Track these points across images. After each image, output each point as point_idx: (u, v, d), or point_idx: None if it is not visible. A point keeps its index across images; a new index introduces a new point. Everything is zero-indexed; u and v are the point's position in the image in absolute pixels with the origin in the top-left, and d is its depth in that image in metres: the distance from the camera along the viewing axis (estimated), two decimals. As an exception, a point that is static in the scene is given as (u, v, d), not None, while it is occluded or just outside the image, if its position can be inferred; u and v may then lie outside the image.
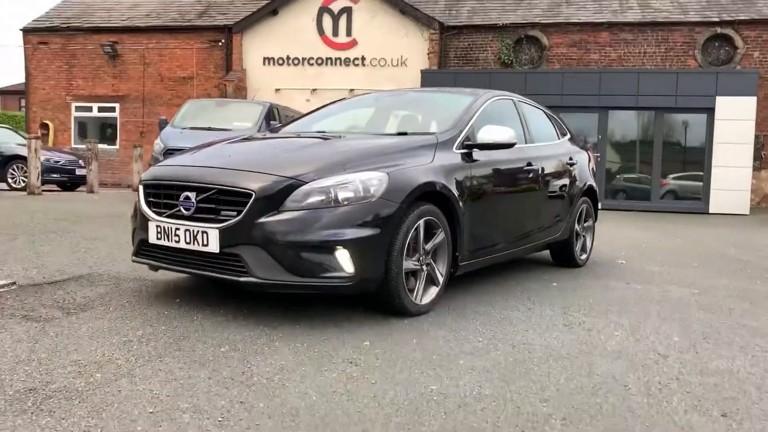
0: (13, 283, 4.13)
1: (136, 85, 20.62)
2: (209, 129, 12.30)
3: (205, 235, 3.46)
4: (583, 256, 6.12)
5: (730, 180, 14.83)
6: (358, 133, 4.41)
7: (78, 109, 21.09)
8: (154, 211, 3.73)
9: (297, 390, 2.59)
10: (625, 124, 16.06)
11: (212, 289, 4.20)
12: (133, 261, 3.94)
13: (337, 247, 3.38)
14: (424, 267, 3.84)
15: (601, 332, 3.68)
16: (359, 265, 3.42)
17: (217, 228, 3.43)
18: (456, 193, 3.99)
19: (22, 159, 13.56)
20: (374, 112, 5.15)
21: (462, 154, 4.25)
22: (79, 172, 14.52)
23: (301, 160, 3.71)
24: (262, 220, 3.36)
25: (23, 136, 14.72)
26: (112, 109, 20.84)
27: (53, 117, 21.21)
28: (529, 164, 4.99)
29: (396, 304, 3.63)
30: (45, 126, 21.05)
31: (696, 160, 15.55)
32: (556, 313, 4.10)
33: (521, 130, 5.19)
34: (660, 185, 15.57)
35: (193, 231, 3.49)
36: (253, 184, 3.43)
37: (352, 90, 19.11)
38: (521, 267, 5.81)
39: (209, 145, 4.29)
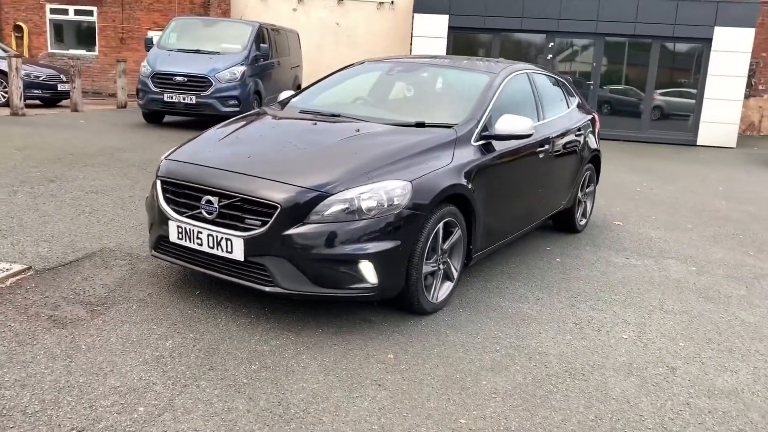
0: (29, 268, 4.13)
1: (115, -13, 19.62)
2: (197, 52, 11.94)
3: (229, 242, 3.47)
4: (583, 222, 6.22)
5: (720, 113, 14.84)
6: (375, 121, 4.33)
7: (53, 11, 20.10)
8: (173, 209, 3.71)
9: (333, 426, 2.70)
10: (621, 53, 15.78)
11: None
12: (153, 256, 3.94)
13: (362, 260, 3.42)
14: (441, 266, 3.91)
15: (609, 333, 3.83)
16: (382, 276, 3.48)
17: (241, 237, 3.43)
18: (473, 189, 4.01)
19: (2, 73, 13.08)
20: (385, 86, 5.02)
21: (480, 146, 4.22)
22: (61, 87, 14.07)
23: (324, 164, 3.67)
24: (288, 232, 3.37)
25: (3, 49, 14.12)
26: (90, 13, 19.90)
27: (27, 18, 20.24)
28: (542, 145, 4.98)
29: (415, 306, 3.73)
30: (19, 29, 20.12)
31: (688, 86, 15.42)
32: (564, 305, 4.24)
33: (534, 108, 5.14)
34: (651, 103, 15.44)
35: (217, 237, 3.50)
36: (279, 195, 3.41)
37: (340, 1, 18.44)
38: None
39: (222, 134, 4.20)
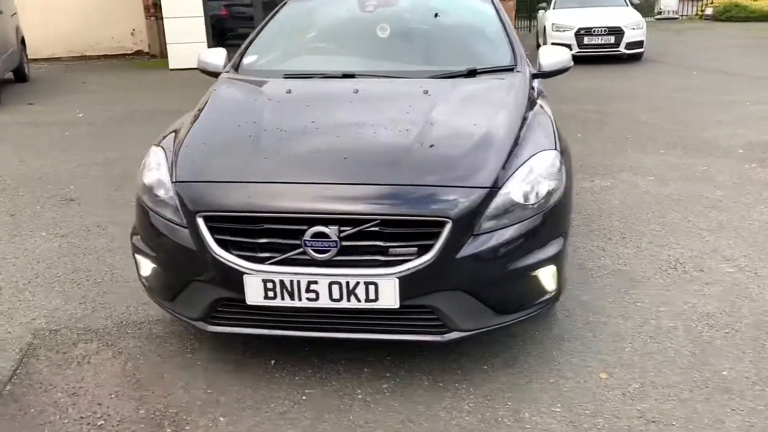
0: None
1: None
2: None
3: (371, 286, 2.35)
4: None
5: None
6: (410, 75, 3.31)
7: None
8: (243, 256, 2.42)
9: None
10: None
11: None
12: (211, 331, 2.59)
13: (547, 264, 2.56)
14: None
15: None
16: (560, 278, 2.67)
17: (394, 275, 2.34)
18: None
19: None
20: (369, 30, 3.88)
21: (537, 89, 3.48)
22: None
23: (446, 147, 2.65)
24: (463, 254, 2.37)
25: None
26: None
27: None
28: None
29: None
30: None
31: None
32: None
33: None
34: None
35: (348, 283, 2.35)
36: (442, 204, 2.37)
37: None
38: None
39: (240, 131, 2.85)
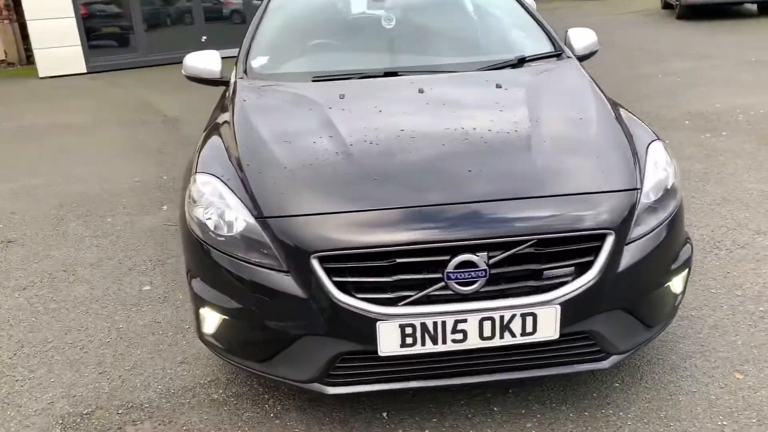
0: None
1: None
2: None
3: (529, 318, 2.02)
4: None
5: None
6: (457, 69, 2.97)
7: None
8: (371, 299, 2.01)
9: None
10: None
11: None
12: (332, 394, 2.14)
13: (685, 268, 2.35)
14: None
15: None
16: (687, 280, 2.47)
17: (554, 301, 2.02)
18: None
19: None
20: (378, 22, 3.47)
21: (578, 72, 3.27)
22: None
23: (568, 147, 2.36)
24: (622, 268, 2.10)
25: None
26: None
27: None
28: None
29: None
30: None
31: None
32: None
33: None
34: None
35: (502, 317, 2.01)
36: (603, 215, 2.08)
37: None
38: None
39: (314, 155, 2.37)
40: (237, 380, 2.58)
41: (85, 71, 11.56)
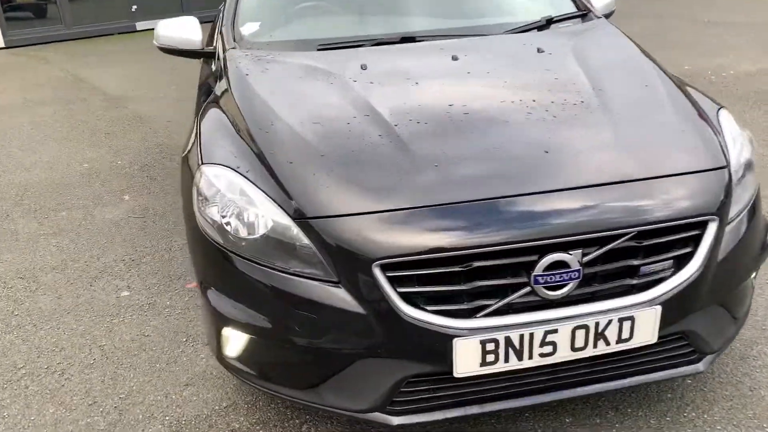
0: None
1: None
2: None
3: (626, 323, 1.73)
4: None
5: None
6: (482, 32, 2.62)
7: None
8: (444, 311, 1.67)
9: None
10: None
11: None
12: (397, 424, 1.78)
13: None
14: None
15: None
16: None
17: (655, 300, 1.73)
18: None
19: None
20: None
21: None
22: None
23: (635, 117, 2.04)
24: (721, 257, 1.82)
25: None
26: None
27: None
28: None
29: None
30: None
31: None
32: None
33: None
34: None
35: (597, 324, 1.71)
36: (702, 197, 1.79)
37: None
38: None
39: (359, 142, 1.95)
40: (258, 404, 2.21)
41: (3, 45, 10.57)
